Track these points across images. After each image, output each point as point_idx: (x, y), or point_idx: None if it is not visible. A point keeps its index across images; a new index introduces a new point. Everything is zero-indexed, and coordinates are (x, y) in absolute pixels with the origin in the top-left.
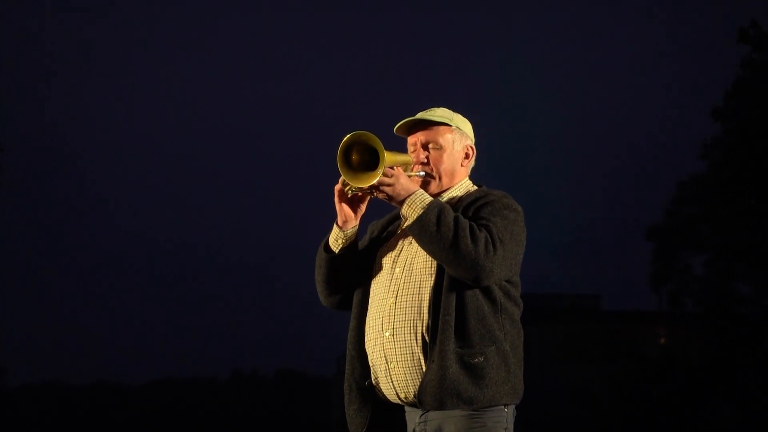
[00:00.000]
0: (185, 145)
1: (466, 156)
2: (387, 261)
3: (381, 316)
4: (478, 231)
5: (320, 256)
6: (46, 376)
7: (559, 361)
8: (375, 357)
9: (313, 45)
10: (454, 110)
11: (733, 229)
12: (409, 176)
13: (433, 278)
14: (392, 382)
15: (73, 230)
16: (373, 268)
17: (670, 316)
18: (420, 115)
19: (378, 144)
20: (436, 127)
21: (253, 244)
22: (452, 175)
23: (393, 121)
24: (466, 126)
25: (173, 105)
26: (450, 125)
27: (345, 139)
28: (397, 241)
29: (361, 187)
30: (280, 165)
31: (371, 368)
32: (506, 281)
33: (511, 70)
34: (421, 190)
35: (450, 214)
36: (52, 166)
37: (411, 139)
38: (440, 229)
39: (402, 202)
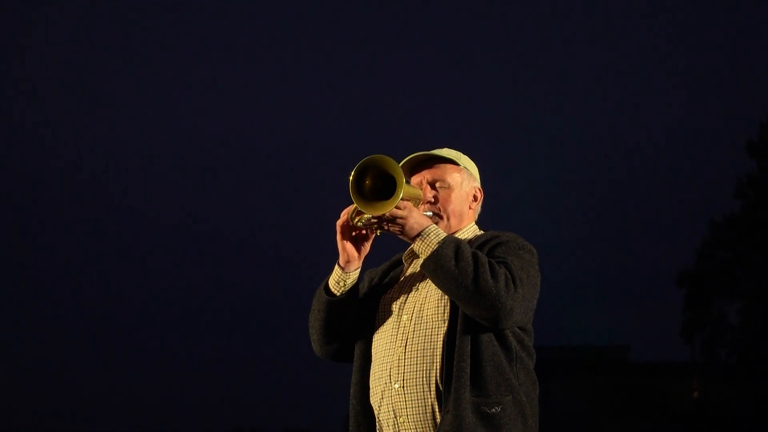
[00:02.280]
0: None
1: (474, 198)
2: (392, 308)
3: (389, 366)
4: (497, 267)
5: (319, 300)
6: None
7: (586, 417)
8: (382, 411)
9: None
10: (462, 151)
11: None
12: None
13: (446, 324)
14: None
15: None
16: (375, 317)
17: (704, 367)
18: (426, 152)
19: (397, 169)
20: (443, 165)
21: (255, 294)
22: (461, 216)
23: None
24: (473, 167)
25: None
26: (458, 164)
27: (359, 163)
28: (402, 288)
29: (374, 216)
30: (287, 222)
31: (377, 424)
32: (520, 328)
33: (527, 104)
34: (435, 225)
35: (468, 249)
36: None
37: (415, 179)
38: (459, 264)
39: (415, 237)
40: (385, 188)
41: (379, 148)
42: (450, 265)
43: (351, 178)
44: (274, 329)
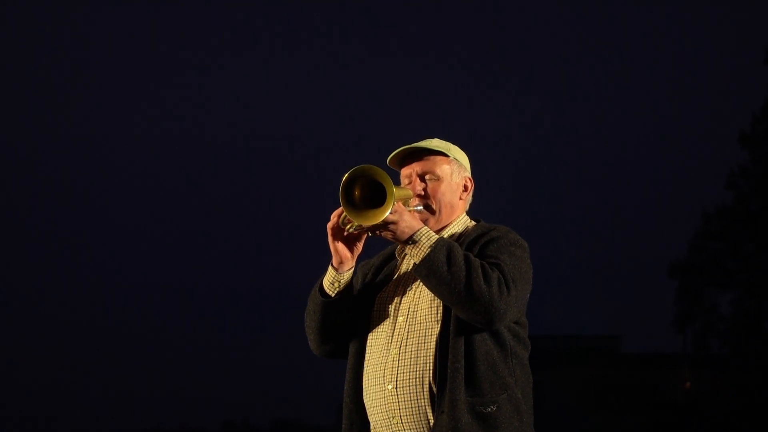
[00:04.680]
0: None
1: (465, 188)
2: (388, 308)
3: (383, 368)
4: (490, 270)
5: (314, 301)
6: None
7: (576, 408)
8: (376, 411)
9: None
10: (451, 141)
11: (761, 265)
12: (408, 210)
13: (439, 325)
14: None
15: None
16: (371, 316)
17: (695, 358)
18: (415, 145)
19: (386, 178)
20: (432, 157)
21: (245, 283)
22: (452, 208)
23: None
24: (462, 157)
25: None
26: (447, 155)
27: (348, 173)
28: (397, 286)
29: (363, 225)
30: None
31: (371, 423)
32: (514, 323)
33: (523, 92)
34: (426, 228)
35: (459, 253)
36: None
37: (405, 171)
38: (451, 270)
39: (406, 241)
40: (375, 196)
41: (372, 145)
42: (442, 271)
43: (340, 188)
44: (264, 321)
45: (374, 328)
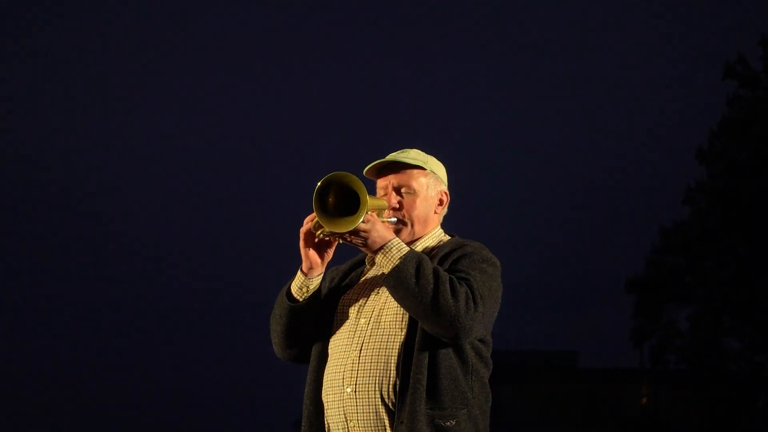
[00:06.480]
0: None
1: (440, 202)
2: (350, 311)
3: (342, 370)
4: (458, 285)
5: (281, 306)
6: None
7: (533, 424)
8: (333, 414)
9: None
10: (428, 152)
11: (719, 280)
12: (382, 222)
13: (403, 333)
14: None
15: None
16: (334, 318)
17: (652, 374)
18: (392, 157)
19: (360, 187)
20: (409, 170)
21: (194, 300)
22: (425, 222)
23: (361, 162)
24: (440, 170)
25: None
26: (424, 169)
27: (323, 179)
28: (362, 290)
29: (336, 233)
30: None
31: (327, 426)
32: (479, 340)
33: (480, 113)
34: (398, 239)
35: (429, 266)
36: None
37: (381, 182)
38: (419, 282)
39: (377, 251)
40: (349, 204)
41: (350, 153)
42: (410, 282)
43: (314, 194)
44: (214, 335)
45: (337, 330)
